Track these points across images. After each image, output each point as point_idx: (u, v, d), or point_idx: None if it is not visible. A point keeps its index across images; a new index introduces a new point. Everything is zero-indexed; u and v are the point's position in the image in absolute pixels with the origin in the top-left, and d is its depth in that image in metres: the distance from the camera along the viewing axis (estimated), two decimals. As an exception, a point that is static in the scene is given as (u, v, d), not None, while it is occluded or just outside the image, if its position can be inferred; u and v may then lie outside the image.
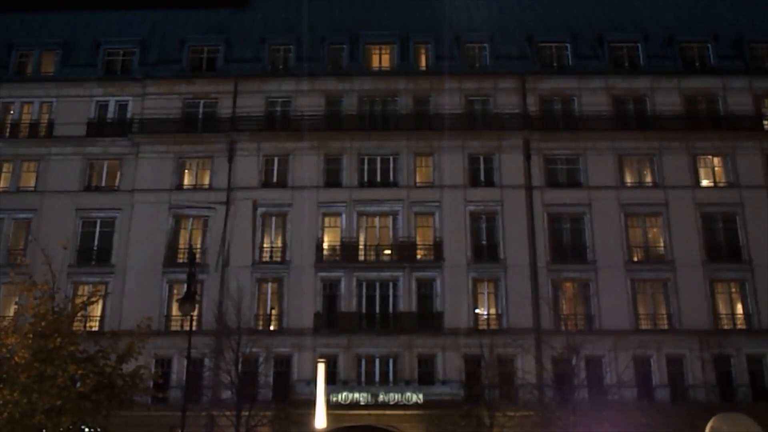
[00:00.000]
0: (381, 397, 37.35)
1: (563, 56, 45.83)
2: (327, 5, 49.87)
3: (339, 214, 41.80)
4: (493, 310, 40.43)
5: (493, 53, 45.84)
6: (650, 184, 42.46)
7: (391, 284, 40.49)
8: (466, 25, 47.44)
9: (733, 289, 40.62)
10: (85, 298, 22.70)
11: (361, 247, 41.26)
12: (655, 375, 38.59)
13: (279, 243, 41.71)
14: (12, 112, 44.88)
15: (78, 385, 20.33)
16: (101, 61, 45.98)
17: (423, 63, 46.04)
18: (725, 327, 39.69)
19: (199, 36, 47.13)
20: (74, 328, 21.69)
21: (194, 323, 30.40)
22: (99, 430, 21.97)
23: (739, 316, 40.15)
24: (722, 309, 40.26)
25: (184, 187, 42.98)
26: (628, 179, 42.70)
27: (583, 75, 44.56)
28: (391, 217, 41.74)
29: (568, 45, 45.84)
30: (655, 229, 41.74)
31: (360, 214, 41.74)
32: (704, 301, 39.77)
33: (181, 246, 41.20)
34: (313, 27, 47.15)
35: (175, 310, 38.70)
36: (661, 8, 49.31)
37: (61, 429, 20.10)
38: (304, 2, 48.83)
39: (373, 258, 41.19)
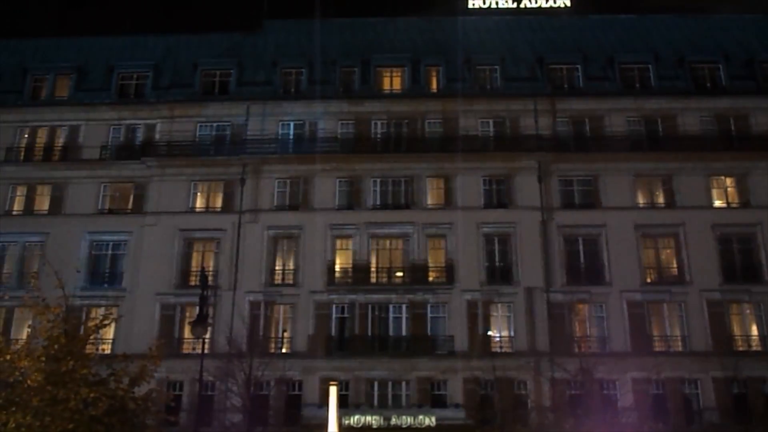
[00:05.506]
0: (393, 421, 37.07)
1: (574, 78, 45.88)
2: (338, 29, 50.24)
3: (351, 237, 41.76)
4: (505, 333, 40.18)
5: (504, 75, 45.94)
6: (664, 205, 42.30)
7: (403, 306, 40.35)
8: (477, 47, 47.63)
9: (748, 311, 40.29)
10: (97, 321, 22.66)
11: (373, 269, 41.18)
12: (669, 398, 38.21)
13: (291, 265, 41.67)
14: (26, 136, 45.23)
15: (90, 408, 20.24)
16: (115, 85, 46.37)
17: (434, 85, 46.16)
18: (740, 349, 39.30)
19: (212, 60, 47.46)
20: (86, 351, 21.65)
21: (206, 346, 30.32)
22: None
23: (754, 338, 39.79)
24: (737, 331, 39.90)
25: (197, 209, 43.14)
26: (642, 200, 42.56)
27: (594, 96, 44.56)
28: (403, 240, 41.69)
29: (579, 67, 45.91)
30: (669, 251, 41.50)
31: (372, 237, 41.69)
32: (719, 322, 39.43)
33: (193, 269, 41.22)
34: (325, 50, 47.41)
35: (186, 332, 38.65)
36: (671, 30, 49.50)
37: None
38: (315, 26, 49.22)
39: (385, 280, 41.11)
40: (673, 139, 43.03)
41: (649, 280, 40.73)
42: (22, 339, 32.39)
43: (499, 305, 40.53)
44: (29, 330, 28.47)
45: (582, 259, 41.18)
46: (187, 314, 39.54)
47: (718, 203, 42.44)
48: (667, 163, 42.47)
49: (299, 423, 37.21)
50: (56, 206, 43.12)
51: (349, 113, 44.63)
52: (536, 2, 51.44)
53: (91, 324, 22.87)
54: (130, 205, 43.35)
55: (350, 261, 41.48)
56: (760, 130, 43.14)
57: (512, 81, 45.87)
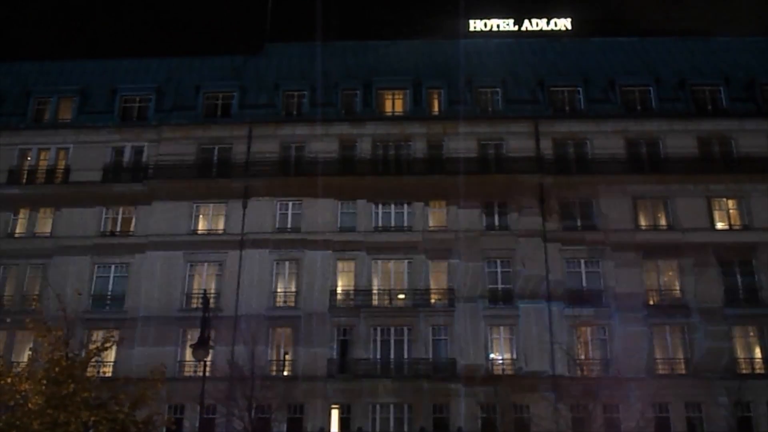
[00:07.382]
0: (395, 444, 36.94)
1: (575, 100, 46.01)
2: (340, 51, 50.45)
3: (353, 259, 41.70)
4: (508, 356, 40.04)
5: (506, 98, 46.10)
6: (665, 227, 42.25)
7: (405, 329, 40.21)
8: (478, 70, 47.78)
9: (751, 333, 40.13)
10: (98, 344, 22.62)
11: (375, 292, 41.08)
12: (673, 421, 37.97)
13: (293, 288, 41.60)
14: (29, 158, 45.33)
15: (91, 431, 20.20)
16: (117, 108, 46.52)
17: (436, 108, 46.29)
18: (744, 372, 39.11)
19: (214, 82, 47.67)
20: (88, 374, 21.61)
21: (208, 369, 30.19)
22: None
23: (757, 360, 39.58)
24: (741, 353, 39.70)
25: (199, 232, 43.13)
26: (643, 222, 42.51)
27: (595, 118, 44.66)
28: (405, 262, 41.61)
29: (580, 89, 46.05)
30: (671, 273, 41.40)
31: (374, 259, 41.64)
32: (722, 345, 39.24)
33: (195, 291, 41.13)
34: (327, 73, 47.62)
35: (188, 355, 38.44)
36: (672, 52, 49.67)
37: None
38: (317, 49, 49.49)
39: (387, 303, 41.00)
40: (674, 161, 43.04)
41: (651, 303, 40.62)
42: (23, 362, 32.27)
43: (502, 328, 40.41)
44: (30, 353, 28.41)
45: (584, 282, 41.08)
46: (189, 337, 39.37)
47: (719, 225, 42.35)
48: (667, 185, 42.48)
49: (301, 446, 37.01)
50: (59, 229, 43.13)
51: (351, 135, 44.71)
52: (537, 25, 51.70)
53: (92, 347, 22.84)
54: (132, 228, 43.35)
55: (352, 283, 41.40)
56: (761, 152, 43.13)
57: (513, 103, 46.01)
